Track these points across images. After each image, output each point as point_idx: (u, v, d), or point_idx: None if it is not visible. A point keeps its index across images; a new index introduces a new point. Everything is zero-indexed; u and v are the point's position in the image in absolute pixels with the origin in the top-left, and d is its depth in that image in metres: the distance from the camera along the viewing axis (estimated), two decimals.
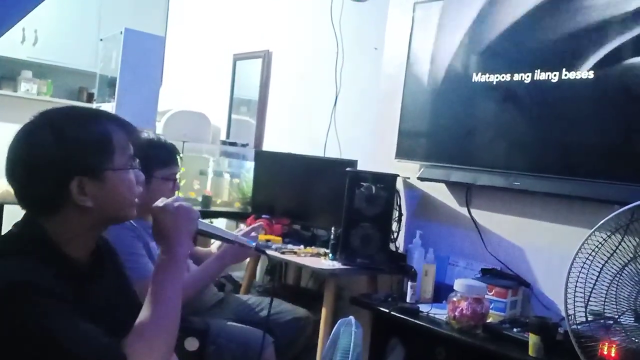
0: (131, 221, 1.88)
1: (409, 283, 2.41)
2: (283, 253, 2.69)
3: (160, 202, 1.19)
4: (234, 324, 2.18)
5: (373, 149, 3.00)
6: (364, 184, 2.54)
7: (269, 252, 2.72)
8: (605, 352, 1.63)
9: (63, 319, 0.97)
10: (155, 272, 1.15)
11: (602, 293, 1.64)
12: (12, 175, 1.08)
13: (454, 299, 2.10)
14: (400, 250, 2.73)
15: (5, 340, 0.94)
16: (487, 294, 2.15)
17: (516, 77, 2.31)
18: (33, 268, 0.99)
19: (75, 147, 1.06)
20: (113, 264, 1.25)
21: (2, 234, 1.12)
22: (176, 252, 1.15)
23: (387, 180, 2.57)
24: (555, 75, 2.18)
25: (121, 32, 3.48)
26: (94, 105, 3.99)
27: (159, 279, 1.13)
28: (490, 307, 2.14)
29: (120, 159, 1.11)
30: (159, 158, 2.01)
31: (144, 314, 1.10)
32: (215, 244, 2.39)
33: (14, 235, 1.09)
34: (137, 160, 1.17)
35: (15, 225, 1.11)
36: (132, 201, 1.14)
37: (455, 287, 2.12)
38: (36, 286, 0.97)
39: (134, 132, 1.16)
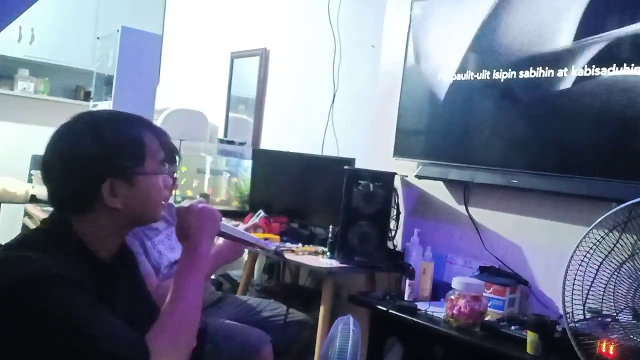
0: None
1: (407, 281, 2.40)
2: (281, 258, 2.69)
3: (185, 203, 1.23)
4: (232, 322, 2.18)
5: (371, 147, 3.00)
6: (362, 182, 2.54)
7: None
8: (604, 350, 1.63)
9: (90, 310, 1.00)
10: (178, 269, 1.19)
11: (600, 291, 1.64)
12: (48, 173, 1.12)
13: (452, 297, 2.10)
14: (398, 248, 2.73)
15: (34, 330, 0.96)
16: (485, 292, 2.15)
17: (514, 74, 2.31)
18: (61, 261, 1.02)
19: (111, 149, 1.10)
20: (131, 265, 1.29)
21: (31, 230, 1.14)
22: (198, 251, 1.19)
23: (384, 179, 2.57)
24: (552, 72, 2.18)
25: (118, 30, 3.48)
26: (90, 104, 3.98)
27: (181, 277, 1.17)
28: (488, 305, 2.14)
29: (151, 163, 1.14)
30: None
31: (166, 310, 1.13)
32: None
33: (42, 231, 1.12)
34: (167, 166, 1.20)
35: (43, 221, 1.15)
36: (159, 205, 1.18)
37: (453, 285, 2.12)
38: (64, 277, 0.99)
39: (165, 138, 1.21)
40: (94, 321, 0.99)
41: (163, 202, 1.19)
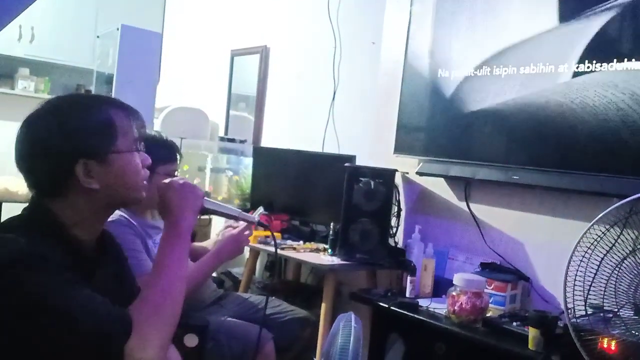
0: (129, 219, 1.88)
1: (409, 278, 2.41)
2: (282, 249, 2.69)
3: (166, 180, 1.24)
4: (234, 319, 2.18)
5: (371, 144, 3.00)
6: (363, 179, 2.54)
7: (268, 248, 2.73)
8: (605, 346, 1.63)
9: (67, 287, 1.00)
10: (160, 244, 1.20)
11: (601, 286, 1.64)
12: (20, 159, 1.13)
13: (454, 293, 2.10)
14: (400, 245, 2.73)
15: (15, 309, 0.97)
16: (486, 288, 2.15)
17: (515, 70, 2.30)
18: (41, 243, 1.03)
19: (78, 131, 1.10)
20: (116, 254, 1.29)
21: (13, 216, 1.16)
22: (180, 225, 1.19)
23: (385, 176, 2.57)
24: (553, 68, 2.18)
25: (118, 29, 3.48)
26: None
27: (163, 250, 1.18)
28: (490, 301, 2.14)
29: (123, 141, 1.14)
30: (160, 155, 2.01)
31: (149, 282, 1.13)
32: (211, 240, 2.40)
33: (23, 217, 1.13)
34: (142, 144, 1.20)
35: (25, 209, 1.15)
36: (139, 183, 1.18)
37: (454, 282, 2.12)
38: (44, 257, 1.00)
39: (136, 116, 1.19)
40: (71, 297, 0.99)
41: (144, 182, 1.19)
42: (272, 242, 2.75)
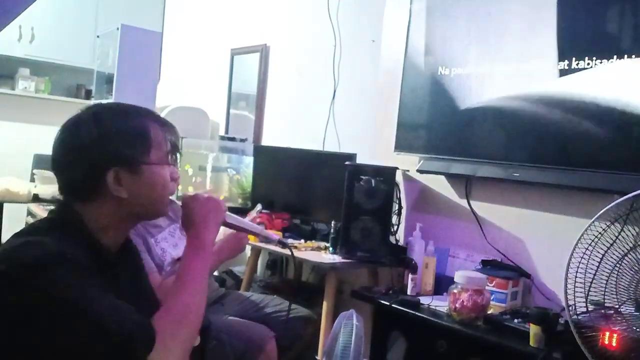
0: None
1: (410, 276, 2.41)
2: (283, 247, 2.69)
3: (191, 192, 1.25)
4: (236, 318, 2.18)
5: (372, 142, 3.00)
6: (364, 177, 2.54)
7: (269, 247, 2.73)
8: (606, 342, 1.63)
9: (94, 291, 1.01)
10: (184, 255, 1.21)
11: (602, 283, 1.64)
12: (55, 162, 1.14)
13: (455, 290, 2.10)
14: (401, 243, 2.73)
15: (45, 310, 0.97)
16: (487, 286, 2.15)
17: (515, 67, 2.30)
18: (68, 245, 1.04)
19: (114, 138, 1.12)
20: (136, 260, 1.31)
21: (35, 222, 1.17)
22: (204, 237, 1.21)
23: (386, 173, 2.57)
24: (553, 65, 2.18)
25: (118, 29, 3.48)
26: (91, 102, 3.99)
27: (186, 261, 1.19)
28: (491, 298, 2.14)
29: (156, 154, 1.16)
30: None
31: (172, 294, 1.14)
32: None
33: (48, 219, 1.14)
34: (174, 158, 1.22)
35: (52, 211, 1.17)
36: (165, 197, 1.20)
37: (455, 279, 2.12)
38: (68, 258, 1.01)
39: (172, 131, 1.22)
40: (99, 302, 1.00)
41: (170, 196, 1.21)
42: (271, 243, 2.76)
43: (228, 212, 1.29)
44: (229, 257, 2.08)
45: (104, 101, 3.69)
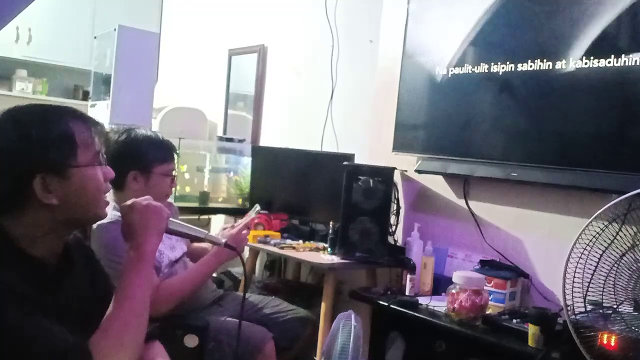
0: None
1: (408, 276, 2.41)
2: (282, 248, 2.69)
3: (129, 201, 1.19)
4: (234, 320, 2.18)
5: (370, 142, 3.00)
6: (362, 177, 2.53)
7: (268, 247, 2.73)
8: (605, 342, 1.63)
9: (26, 318, 0.96)
10: (123, 269, 1.15)
11: (600, 283, 1.64)
12: None
13: (453, 291, 2.10)
14: (399, 243, 2.73)
15: None
16: (486, 286, 2.15)
17: (512, 67, 2.30)
18: None
19: (36, 144, 1.04)
20: (87, 263, 1.24)
21: None
22: (144, 250, 1.15)
23: (384, 174, 2.57)
24: (551, 64, 2.18)
25: (115, 29, 3.47)
26: (89, 103, 3.98)
27: (125, 276, 1.13)
28: (490, 298, 2.14)
29: (84, 155, 1.09)
30: (157, 155, 2.02)
31: (110, 311, 1.09)
32: None
33: None
34: (104, 157, 1.15)
35: None
36: (100, 199, 1.13)
37: (454, 279, 2.12)
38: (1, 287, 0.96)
39: (98, 129, 1.14)
40: (29, 328, 0.95)
41: (105, 197, 1.14)
42: (272, 242, 2.76)
43: (171, 219, 1.23)
44: (227, 259, 2.08)
45: (98, 106, 3.68)
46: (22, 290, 0.98)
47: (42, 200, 1.04)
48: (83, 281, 1.18)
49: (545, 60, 2.20)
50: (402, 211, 2.78)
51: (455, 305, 2.08)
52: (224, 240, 1.39)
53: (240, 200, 3.65)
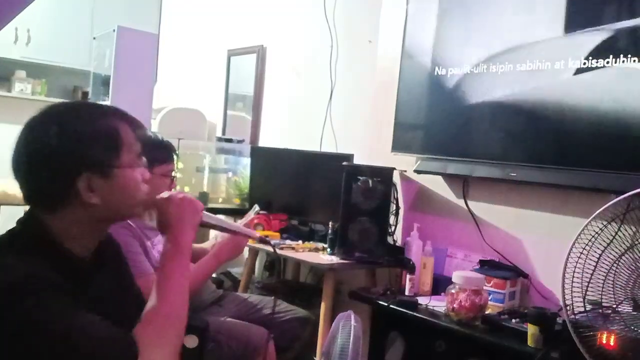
0: (128, 220, 1.88)
1: (408, 276, 2.41)
2: (281, 249, 2.69)
3: (165, 194, 1.20)
4: (234, 320, 2.18)
5: (369, 142, 3.00)
6: (361, 177, 2.54)
7: (267, 247, 2.73)
8: (604, 342, 1.63)
9: (68, 312, 0.97)
10: (161, 261, 1.17)
11: (599, 282, 1.64)
12: (18, 170, 1.07)
13: (453, 291, 2.10)
14: (398, 243, 2.73)
15: (16, 335, 0.93)
16: (485, 286, 2.15)
17: (511, 67, 2.30)
18: (35, 264, 0.99)
19: (84, 142, 1.05)
20: (116, 258, 1.26)
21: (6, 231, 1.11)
22: (180, 241, 1.16)
23: (383, 174, 2.57)
24: (550, 65, 2.18)
25: (114, 30, 3.47)
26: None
27: (164, 268, 1.15)
28: (489, 298, 2.14)
29: (127, 156, 1.10)
30: (157, 155, 2.02)
31: (151, 302, 1.10)
32: (210, 241, 2.40)
33: (15, 233, 1.08)
34: (144, 158, 1.17)
35: (18, 222, 1.10)
36: (138, 199, 1.14)
37: (453, 279, 2.12)
38: (38, 280, 0.96)
39: (141, 129, 1.16)
40: (73, 323, 0.96)
41: (143, 197, 1.16)
42: (271, 242, 2.76)
43: (205, 212, 1.25)
44: (227, 258, 2.08)
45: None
46: (64, 286, 1.00)
47: (85, 199, 1.05)
48: (113, 277, 1.20)
49: (544, 61, 2.20)
50: (401, 211, 2.78)
51: (454, 305, 2.09)
52: (258, 234, 1.41)
53: (239, 201, 3.65)
